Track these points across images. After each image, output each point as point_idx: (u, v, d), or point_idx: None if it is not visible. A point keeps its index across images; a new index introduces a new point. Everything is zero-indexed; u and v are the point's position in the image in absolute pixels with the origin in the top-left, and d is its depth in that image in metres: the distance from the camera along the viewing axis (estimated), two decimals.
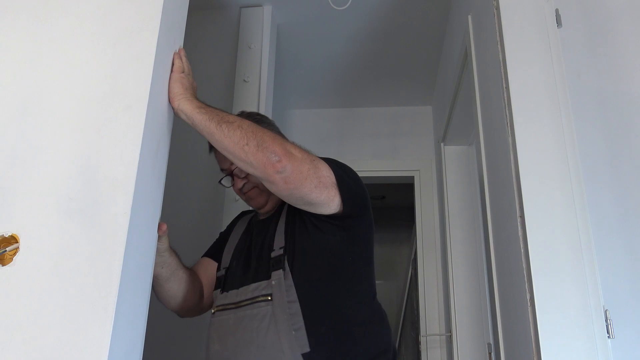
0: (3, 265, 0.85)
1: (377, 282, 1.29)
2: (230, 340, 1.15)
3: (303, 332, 1.07)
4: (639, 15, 1.42)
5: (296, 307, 1.10)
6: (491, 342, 2.28)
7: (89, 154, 0.93)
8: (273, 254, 1.19)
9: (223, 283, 1.30)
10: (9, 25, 1.05)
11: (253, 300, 1.15)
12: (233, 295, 1.22)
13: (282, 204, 1.31)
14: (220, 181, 1.37)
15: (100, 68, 1.00)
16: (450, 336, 2.56)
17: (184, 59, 1.15)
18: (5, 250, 0.86)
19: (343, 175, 1.16)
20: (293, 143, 1.13)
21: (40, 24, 1.04)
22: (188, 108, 1.09)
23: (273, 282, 1.14)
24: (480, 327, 2.48)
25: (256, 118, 1.33)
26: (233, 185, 1.35)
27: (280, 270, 1.14)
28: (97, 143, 0.94)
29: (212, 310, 1.28)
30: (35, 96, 0.98)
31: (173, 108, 1.11)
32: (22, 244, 0.87)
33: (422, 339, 2.89)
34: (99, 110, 0.96)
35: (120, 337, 0.84)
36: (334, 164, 1.17)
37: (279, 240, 1.21)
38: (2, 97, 0.99)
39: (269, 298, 1.13)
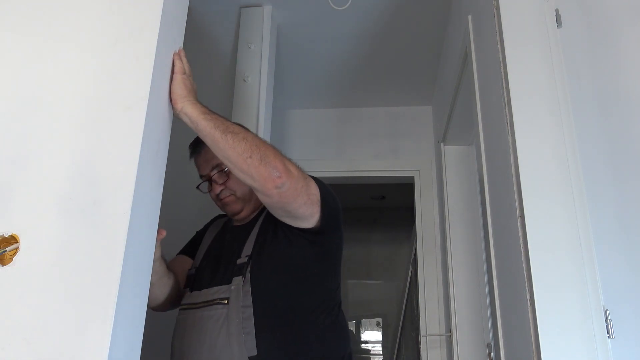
0: (3, 265, 0.85)
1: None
2: (186, 339, 1.23)
3: (252, 336, 1.12)
4: (639, 15, 1.42)
5: (249, 312, 1.15)
6: (491, 342, 2.28)
7: (89, 154, 0.93)
8: (238, 261, 1.25)
9: (192, 282, 1.35)
10: (9, 25, 1.05)
11: (211, 303, 1.21)
12: (196, 296, 1.28)
13: (258, 212, 1.37)
14: (198, 187, 1.45)
15: (101, 68, 1.00)
16: (450, 336, 2.56)
17: (184, 59, 1.15)
18: (5, 250, 0.86)
19: (326, 194, 1.23)
20: (290, 160, 1.17)
21: (40, 24, 1.04)
22: (193, 112, 1.09)
23: (232, 287, 1.19)
24: (480, 327, 2.48)
25: None
26: (210, 191, 1.41)
27: (240, 277, 1.20)
28: (97, 143, 0.94)
29: (178, 309, 1.35)
30: (35, 96, 0.98)
31: (175, 110, 1.10)
32: (22, 244, 0.87)
33: (422, 339, 2.89)
34: (99, 110, 0.96)
35: (120, 337, 0.84)
36: (319, 182, 1.24)
37: (247, 249, 1.27)
38: (2, 97, 0.99)
39: (226, 302, 1.18)
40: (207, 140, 1.11)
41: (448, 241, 2.65)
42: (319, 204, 1.19)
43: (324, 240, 1.27)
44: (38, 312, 0.82)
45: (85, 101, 0.97)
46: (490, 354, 2.27)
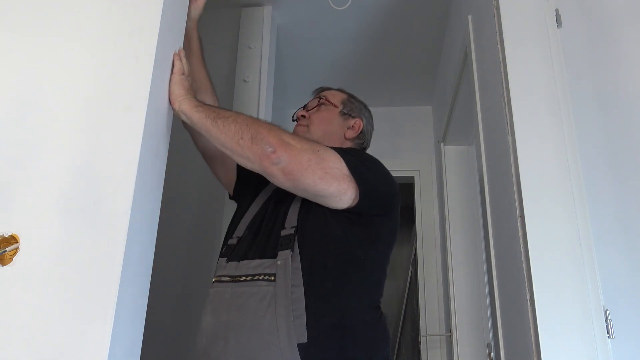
0: (3, 265, 0.85)
1: None
2: (223, 316, 1.08)
3: (303, 320, 1.00)
4: (639, 15, 1.42)
5: (300, 292, 1.02)
6: (491, 342, 2.28)
7: (89, 153, 0.93)
8: (283, 232, 1.11)
9: (231, 251, 1.19)
10: (9, 25, 1.05)
11: (254, 278, 1.07)
12: (234, 268, 1.13)
13: None
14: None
15: (100, 68, 1.00)
16: (450, 336, 2.56)
17: (184, 60, 1.14)
18: (5, 250, 0.86)
19: (359, 167, 1.09)
20: (295, 135, 1.09)
21: (40, 24, 1.04)
22: (187, 108, 1.08)
23: (279, 262, 1.05)
24: (480, 327, 2.48)
25: None
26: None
27: (289, 251, 1.06)
28: (97, 143, 0.94)
29: (212, 280, 1.20)
30: (35, 96, 0.98)
31: (174, 110, 1.10)
32: (22, 244, 0.87)
33: (422, 339, 2.89)
34: (99, 110, 0.96)
35: (120, 337, 0.84)
36: (348, 155, 1.10)
37: (292, 219, 1.12)
38: (2, 97, 0.99)
39: (272, 278, 1.04)
40: (203, 132, 1.07)
41: (448, 241, 2.65)
42: (348, 178, 1.05)
43: (371, 221, 1.12)
44: (38, 312, 0.82)
45: (85, 101, 0.97)
46: (490, 354, 2.27)
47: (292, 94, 3.22)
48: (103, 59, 1.00)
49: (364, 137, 1.41)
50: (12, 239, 0.87)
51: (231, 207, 2.01)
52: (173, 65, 1.11)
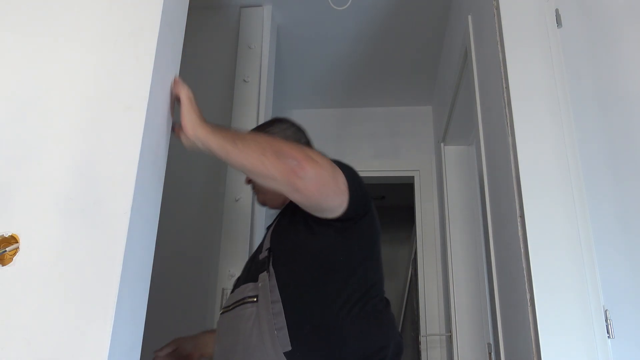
0: (3, 265, 0.85)
1: None
2: (223, 341, 1.18)
3: (285, 331, 1.07)
4: (639, 15, 1.42)
5: (279, 306, 1.09)
6: (491, 342, 2.28)
7: (89, 153, 0.93)
8: (260, 257, 1.20)
9: (234, 284, 1.30)
10: (9, 25, 1.05)
11: (242, 302, 1.17)
12: (231, 298, 1.25)
13: (287, 204, 1.29)
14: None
15: (101, 68, 1.00)
16: (450, 336, 2.56)
17: (185, 85, 1.10)
18: (5, 250, 0.86)
19: (352, 180, 1.12)
20: (313, 149, 1.10)
21: (40, 24, 1.04)
22: (203, 134, 1.03)
23: (259, 284, 1.15)
24: (480, 327, 2.48)
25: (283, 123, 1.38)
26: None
27: (265, 272, 1.15)
28: (97, 143, 0.94)
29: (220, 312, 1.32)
30: (35, 96, 0.98)
31: (188, 138, 1.05)
32: (22, 244, 0.87)
33: (422, 339, 2.89)
34: (99, 110, 0.96)
35: (120, 337, 0.84)
36: (345, 168, 1.13)
37: (267, 243, 1.21)
38: (2, 97, 0.99)
39: (255, 299, 1.13)
40: (222, 156, 1.04)
41: (448, 241, 2.65)
42: (347, 192, 1.09)
43: (351, 226, 1.16)
44: (38, 312, 0.82)
45: (85, 101, 0.97)
46: (490, 354, 2.27)
47: (292, 94, 3.22)
48: (103, 59, 1.00)
49: None
50: (12, 239, 0.87)
51: (231, 206, 2.02)
52: (179, 94, 1.07)
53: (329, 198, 1.06)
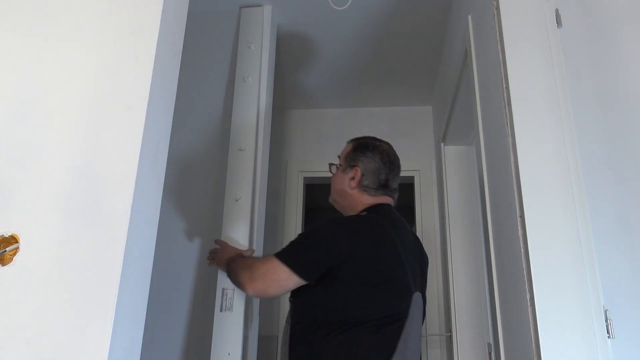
0: (3, 265, 0.85)
1: None
2: None
3: (286, 348, 1.36)
4: (639, 15, 1.42)
5: (288, 327, 1.40)
6: (491, 342, 2.28)
7: (89, 153, 0.93)
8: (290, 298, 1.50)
9: None
10: (9, 25, 1.05)
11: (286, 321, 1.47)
12: None
13: None
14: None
15: (101, 68, 1.00)
16: (450, 336, 2.56)
17: (219, 256, 1.74)
18: (5, 250, 0.86)
19: (295, 262, 1.35)
20: (263, 261, 1.43)
21: (40, 24, 1.05)
22: (222, 266, 1.71)
23: (290, 307, 1.47)
24: (480, 327, 2.48)
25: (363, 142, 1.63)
26: None
27: (292, 298, 1.44)
28: (97, 143, 0.94)
29: None
30: (35, 96, 0.98)
31: (216, 265, 1.78)
32: (22, 244, 0.87)
33: (422, 339, 2.89)
34: (99, 110, 0.96)
35: (120, 337, 0.84)
36: (289, 249, 1.40)
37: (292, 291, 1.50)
38: (2, 97, 0.99)
39: (287, 320, 1.44)
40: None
41: (448, 241, 2.65)
42: (293, 275, 1.34)
43: (331, 280, 1.33)
44: (38, 312, 0.82)
45: (85, 101, 0.97)
46: (490, 354, 2.27)
47: (292, 94, 3.22)
48: (103, 59, 1.00)
49: (367, 178, 1.55)
50: (12, 239, 0.87)
51: (231, 206, 2.02)
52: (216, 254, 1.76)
53: (278, 291, 1.40)
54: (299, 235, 1.46)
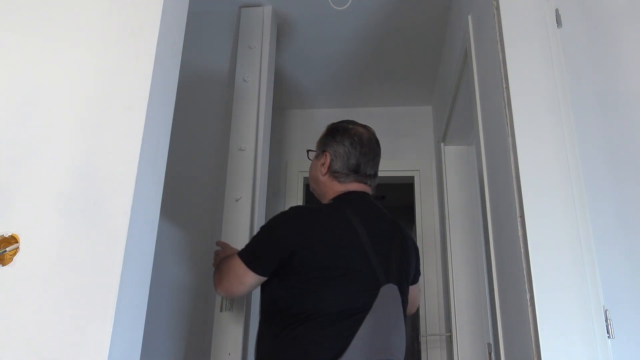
0: (3, 265, 0.85)
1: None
2: None
3: (255, 345, 1.39)
4: (639, 15, 1.42)
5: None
6: (491, 342, 2.28)
7: (89, 153, 0.93)
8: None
9: None
10: (9, 25, 1.05)
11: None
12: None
13: None
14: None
15: (101, 68, 1.00)
16: (450, 336, 2.56)
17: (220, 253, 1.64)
18: (5, 250, 0.86)
19: (250, 259, 1.36)
20: (231, 261, 1.40)
21: (40, 24, 1.05)
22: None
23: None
24: (480, 327, 2.48)
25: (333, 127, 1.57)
26: None
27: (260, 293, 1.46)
28: (97, 143, 0.94)
29: None
30: (35, 96, 0.98)
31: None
32: (22, 244, 0.87)
33: (422, 339, 2.89)
34: (99, 110, 0.96)
35: (120, 337, 0.84)
36: (244, 253, 1.38)
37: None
38: (2, 97, 0.99)
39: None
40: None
41: (448, 241, 2.65)
42: (250, 272, 1.35)
43: (289, 271, 1.33)
44: (38, 312, 0.82)
45: (85, 101, 0.97)
46: (490, 354, 2.27)
47: (292, 94, 3.22)
48: (103, 59, 1.00)
49: (337, 163, 1.51)
50: (12, 239, 0.87)
51: (232, 206, 2.02)
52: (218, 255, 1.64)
53: (241, 289, 1.39)
54: (260, 228, 1.45)
